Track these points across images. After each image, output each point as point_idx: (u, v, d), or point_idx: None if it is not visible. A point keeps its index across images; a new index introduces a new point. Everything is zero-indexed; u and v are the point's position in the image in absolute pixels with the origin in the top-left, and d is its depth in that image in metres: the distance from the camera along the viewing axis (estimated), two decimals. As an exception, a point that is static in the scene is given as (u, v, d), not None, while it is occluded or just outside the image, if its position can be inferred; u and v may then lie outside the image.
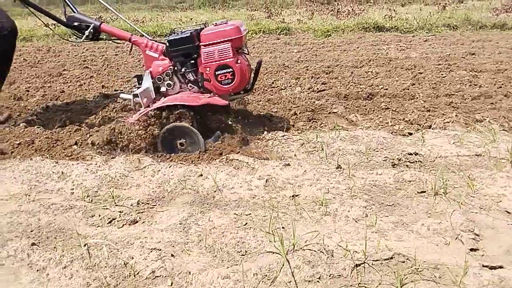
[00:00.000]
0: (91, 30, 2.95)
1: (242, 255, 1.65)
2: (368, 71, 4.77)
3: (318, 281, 1.48)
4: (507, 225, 1.77)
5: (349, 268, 1.53)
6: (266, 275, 1.52)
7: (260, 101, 3.72)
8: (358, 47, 6.53)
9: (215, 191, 2.19)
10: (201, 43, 2.71)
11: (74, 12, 3.06)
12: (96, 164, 2.49)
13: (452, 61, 5.11)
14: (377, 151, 2.64)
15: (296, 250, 1.63)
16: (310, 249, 1.63)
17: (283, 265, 1.55)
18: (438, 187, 2.07)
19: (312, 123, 3.23)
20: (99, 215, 1.98)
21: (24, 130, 3.08)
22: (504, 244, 1.67)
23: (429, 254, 1.61)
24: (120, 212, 1.99)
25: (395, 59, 5.42)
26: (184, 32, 2.79)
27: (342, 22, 9.08)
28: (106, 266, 1.60)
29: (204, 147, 2.61)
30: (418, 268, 1.51)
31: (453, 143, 2.70)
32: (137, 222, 1.94)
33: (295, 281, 1.49)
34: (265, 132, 2.98)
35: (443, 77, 4.39)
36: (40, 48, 7.63)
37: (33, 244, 1.73)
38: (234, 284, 1.48)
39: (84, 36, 2.96)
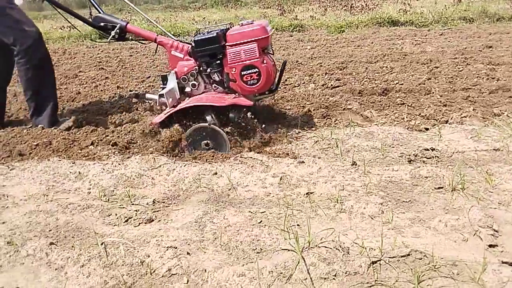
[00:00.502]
0: (117, 31, 2.99)
1: (257, 252, 1.65)
2: (383, 66, 4.72)
3: (334, 278, 1.47)
4: (527, 221, 1.73)
5: (365, 265, 1.51)
6: (281, 273, 1.51)
7: (274, 98, 3.72)
8: (372, 42, 6.47)
9: (229, 189, 2.20)
10: (227, 43, 2.71)
11: (100, 12, 3.10)
12: (112, 164, 2.52)
13: (468, 55, 5.03)
14: (393, 147, 2.61)
15: (311, 247, 1.62)
16: (325, 246, 1.62)
17: (298, 262, 1.54)
18: (455, 183, 2.04)
19: (326, 119, 3.21)
20: (116, 214, 2.00)
21: (42, 131, 3.13)
22: (524, 240, 1.63)
23: (446, 250, 1.59)
24: (136, 211, 2.01)
25: (410, 53, 5.35)
26: (210, 32, 2.79)
27: (355, 17, 9.01)
28: (123, 265, 1.62)
29: (229, 149, 2.61)
30: (435, 265, 1.49)
31: (471, 137, 2.65)
32: (153, 220, 1.95)
33: (310, 278, 1.48)
34: (279, 130, 2.97)
35: (460, 71, 4.32)
36: (56, 50, 7.75)
37: (51, 243, 1.76)
38: (249, 281, 1.48)
39: (111, 36, 3.00)
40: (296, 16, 10.27)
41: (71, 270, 1.61)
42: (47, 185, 2.35)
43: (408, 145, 2.61)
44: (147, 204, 2.09)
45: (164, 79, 2.93)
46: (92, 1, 3.15)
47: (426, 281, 1.43)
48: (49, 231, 1.89)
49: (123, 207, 2.06)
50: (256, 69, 2.67)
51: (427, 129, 2.88)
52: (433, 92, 3.63)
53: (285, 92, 4.01)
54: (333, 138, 2.75)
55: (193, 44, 2.78)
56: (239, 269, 1.53)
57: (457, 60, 4.78)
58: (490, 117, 2.96)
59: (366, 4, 11.02)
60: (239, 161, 2.50)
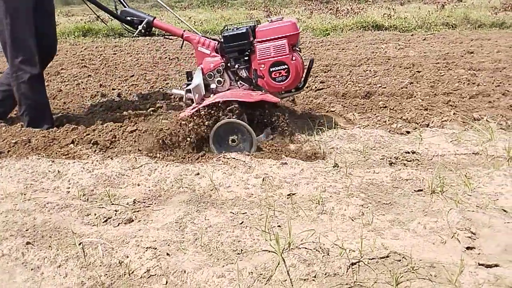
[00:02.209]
0: (144, 25, 2.96)
1: (238, 253, 1.64)
2: (367, 70, 4.76)
3: (313, 280, 1.48)
4: (503, 224, 1.76)
5: (344, 266, 1.52)
6: (261, 274, 1.51)
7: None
8: (356, 46, 6.52)
9: (211, 190, 2.19)
10: (256, 39, 2.71)
11: (125, 7, 3.07)
12: (92, 163, 2.48)
13: (450, 60, 5.11)
14: (375, 149, 2.64)
15: (292, 248, 1.62)
16: (306, 248, 1.62)
17: (278, 263, 1.54)
18: (435, 186, 2.06)
19: (310, 121, 3.22)
20: (95, 214, 1.97)
21: (21, 129, 3.07)
22: (501, 242, 1.66)
23: (425, 252, 1.61)
24: (116, 211, 1.99)
25: (393, 57, 5.41)
26: (240, 28, 2.79)
27: (341, 21, 9.07)
28: (100, 265, 1.59)
29: (256, 146, 2.59)
30: (414, 267, 1.50)
31: (451, 141, 2.69)
32: (132, 221, 1.93)
33: (290, 279, 1.48)
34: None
35: (441, 75, 4.39)
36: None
37: (28, 243, 1.72)
38: (229, 282, 1.47)
39: (137, 31, 2.98)
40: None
41: (48, 271, 1.58)
42: (25, 183, 2.31)
43: (389, 148, 2.64)
44: (127, 204, 2.06)
45: (189, 75, 2.93)
46: None
47: (404, 283, 1.44)
48: (26, 230, 1.85)
49: (103, 207, 2.03)
50: (286, 66, 2.68)
51: (408, 132, 2.92)
52: (415, 96, 3.68)
53: (270, 94, 4.00)
54: (316, 140, 2.76)
55: (222, 40, 2.77)
56: (219, 270, 1.52)
57: (439, 65, 4.85)
58: (470, 122, 3.01)
59: (351, 8, 11.11)
60: (222, 161, 2.49)
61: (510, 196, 1.97)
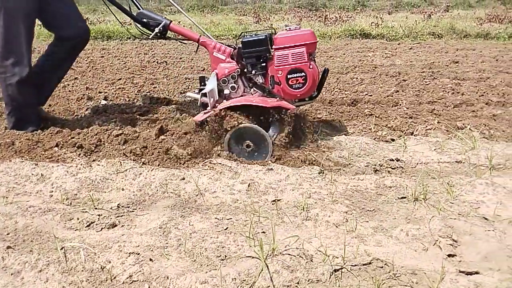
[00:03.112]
0: (161, 28, 2.95)
1: (222, 259, 1.64)
2: (354, 78, 4.81)
3: (296, 286, 1.48)
4: (484, 232, 1.79)
5: (327, 273, 1.53)
6: (244, 280, 1.51)
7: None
8: (344, 54, 6.59)
9: (197, 195, 2.18)
10: (274, 46, 2.72)
11: (140, 9, 3.05)
12: (76, 166, 2.45)
13: (436, 69, 5.19)
14: (360, 156, 2.66)
15: (275, 255, 1.62)
16: (289, 254, 1.62)
17: (262, 270, 1.54)
18: (418, 193, 2.09)
19: (297, 128, 3.23)
20: (78, 219, 1.95)
21: (4, 131, 3.03)
22: (481, 250, 1.68)
23: (407, 259, 1.62)
24: (99, 215, 1.97)
25: (380, 66, 5.47)
26: (258, 35, 2.80)
27: (329, 28, 9.17)
28: (82, 270, 1.57)
29: (272, 153, 2.58)
30: (396, 274, 1.52)
31: (434, 149, 2.73)
32: (116, 225, 1.91)
33: (273, 286, 1.48)
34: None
35: (427, 84, 4.45)
36: (25, 48, 7.51)
37: (8, 247, 1.69)
38: (212, 288, 1.47)
39: (153, 34, 2.96)
40: (272, 24, 10.35)
41: (28, 275, 1.55)
42: (7, 187, 2.27)
43: (374, 155, 2.67)
44: (111, 208, 2.04)
45: (202, 80, 2.94)
46: None
47: (386, 290, 1.45)
48: (7, 234, 1.82)
49: (86, 211, 2.01)
50: (303, 73, 2.69)
51: (393, 140, 2.95)
52: (400, 104, 3.73)
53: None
54: (302, 146, 2.78)
55: (240, 45, 2.78)
56: (202, 276, 1.51)
57: (425, 74, 4.93)
58: (454, 130, 3.06)
59: (340, 16, 11.23)
60: (208, 166, 2.48)
61: (491, 204, 2.01)
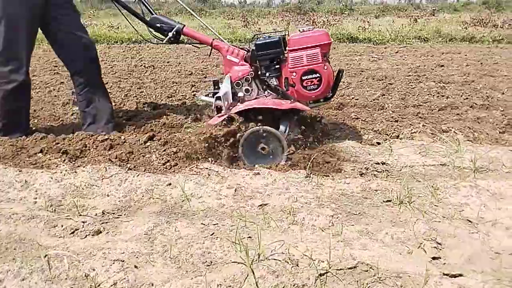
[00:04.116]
0: (174, 33, 2.93)
1: (208, 265, 1.63)
2: (340, 81, 4.83)
3: (282, 291, 1.48)
4: (468, 234, 1.81)
5: (313, 277, 1.53)
6: (230, 286, 1.50)
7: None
8: (331, 57, 6.61)
9: (183, 201, 2.17)
10: (288, 48, 2.71)
11: (152, 14, 3.03)
12: (61, 172, 2.43)
13: (421, 73, 5.25)
14: (346, 160, 2.67)
15: (261, 260, 1.62)
16: (275, 259, 1.62)
17: (247, 275, 1.54)
18: (403, 196, 2.10)
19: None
20: (62, 226, 1.92)
21: (-12, 137, 2.98)
22: (465, 252, 1.70)
23: (392, 262, 1.63)
24: (83, 222, 1.94)
25: (366, 69, 5.52)
26: (272, 37, 2.79)
27: (317, 32, 9.21)
28: (66, 278, 1.55)
29: (286, 157, 2.57)
30: (381, 277, 1.52)
31: (419, 153, 2.76)
32: (101, 232, 1.89)
33: (259, 291, 1.48)
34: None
35: (412, 88, 4.50)
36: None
37: (-10, 255, 1.67)
38: (197, 295, 1.46)
39: (167, 38, 2.95)
40: (260, 28, 10.39)
41: (11, 284, 1.53)
42: (-10, 194, 2.24)
43: (360, 159, 2.68)
44: (95, 215, 2.02)
45: (216, 84, 2.92)
46: (144, 2, 3.07)
47: (371, 293, 1.46)
48: (-11, 242, 1.80)
49: (70, 218, 1.98)
50: (318, 74, 2.67)
51: (379, 143, 2.97)
52: (386, 108, 3.76)
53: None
54: (289, 150, 2.78)
55: (254, 48, 2.77)
56: (187, 283, 1.51)
57: (410, 77, 4.98)
58: (438, 133, 3.09)
59: (327, 20, 11.31)
60: (195, 171, 2.47)
61: (475, 207, 2.03)
